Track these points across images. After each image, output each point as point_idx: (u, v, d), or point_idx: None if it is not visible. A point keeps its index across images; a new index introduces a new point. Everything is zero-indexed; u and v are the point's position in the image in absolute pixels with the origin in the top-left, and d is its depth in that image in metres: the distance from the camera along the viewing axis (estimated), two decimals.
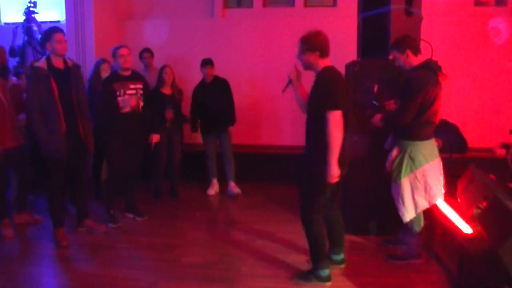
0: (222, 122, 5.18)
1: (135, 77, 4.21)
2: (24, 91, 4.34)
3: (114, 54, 4.08)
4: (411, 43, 3.15)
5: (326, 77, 2.80)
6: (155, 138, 4.40)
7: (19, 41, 5.69)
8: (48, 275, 3.27)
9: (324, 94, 2.74)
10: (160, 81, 4.94)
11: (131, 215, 4.40)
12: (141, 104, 4.17)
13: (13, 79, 4.02)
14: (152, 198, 5.11)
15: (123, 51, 4.05)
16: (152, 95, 4.60)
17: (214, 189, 5.34)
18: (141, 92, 4.17)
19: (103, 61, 4.81)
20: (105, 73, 4.65)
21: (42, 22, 5.88)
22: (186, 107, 5.30)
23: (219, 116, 5.15)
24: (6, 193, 4.05)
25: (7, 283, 3.05)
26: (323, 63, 2.91)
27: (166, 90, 4.96)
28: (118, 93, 4.05)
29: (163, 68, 4.97)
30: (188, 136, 5.54)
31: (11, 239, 3.80)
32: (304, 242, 3.75)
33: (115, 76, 4.12)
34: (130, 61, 4.12)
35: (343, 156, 2.78)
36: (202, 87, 5.21)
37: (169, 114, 4.89)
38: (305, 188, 2.97)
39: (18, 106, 3.94)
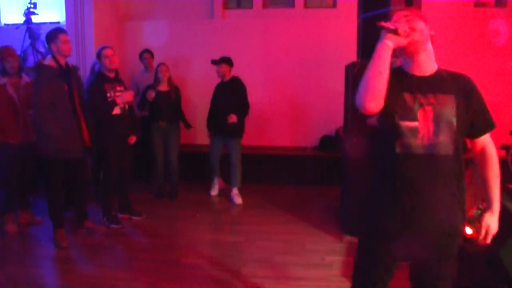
0: (231, 127, 4.82)
1: (119, 80, 4.20)
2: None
3: (99, 55, 4.04)
4: None
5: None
6: (133, 139, 4.34)
7: (26, 43, 5.73)
8: (48, 276, 3.27)
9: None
10: (156, 79, 4.95)
11: (126, 216, 4.38)
12: (127, 106, 4.18)
13: (26, 77, 4.03)
14: (153, 199, 5.11)
15: (108, 52, 4.01)
16: (145, 90, 4.87)
17: (216, 189, 5.34)
18: None
19: None
20: None
21: (42, 23, 5.89)
22: (184, 108, 5.30)
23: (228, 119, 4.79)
24: (14, 188, 4.02)
25: (7, 284, 3.04)
26: None
27: (162, 87, 4.94)
28: (108, 94, 4.03)
29: (158, 66, 4.98)
30: (189, 136, 5.55)
31: (14, 235, 3.81)
32: (303, 243, 3.77)
33: (103, 78, 4.07)
34: (115, 62, 4.08)
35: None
36: (218, 85, 5.04)
37: (151, 94, 4.79)
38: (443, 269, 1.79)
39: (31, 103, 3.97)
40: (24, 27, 5.84)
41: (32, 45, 5.68)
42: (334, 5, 6.22)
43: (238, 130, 4.96)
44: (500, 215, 2.61)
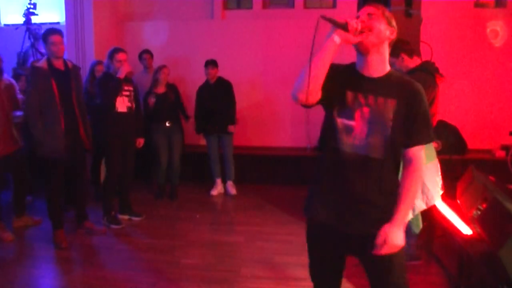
0: (223, 124, 5.19)
1: (127, 79, 4.23)
2: (19, 91, 4.36)
3: (111, 57, 4.05)
4: (404, 46, 3.14)
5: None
6: (141, 142, 4.40)
7: (26, 44, 5.74)
8: (48, 277, 3.27)
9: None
10: (154, 81, 4.97)
11: (126, 217, 4.38)
12: (134, 106, 4.21)
13: (6, 80, 4.03)
14: (152, 199, 5.11)
15: (121, 56, 4.03)
16: (145, 96, 4.95)
17: (217, 189, 5.35)
18: (133, 94, 4.22)
19: (98, 63, 4.82)
20: (99, 74, 4.66)
21: (42, 24, 5.89)
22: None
23: (220, 117, 5.17)
24: (2, 196, 4.02)
25: (6, 285, 3.04)
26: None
27: (159, 90, 4.97)
28: None
29: (160, 68, 4.98)
30: (190, 137, 5.55)
31: (11, 242, 3.76)
32: (303, 243, 3.76)
33: (110, 77, 4.09)
34: (129, 69, 4.14)
35: None
36: (205, 87, 5.23)
37: (151, 100, 4.89)
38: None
39: (13, 105, 3.97)
40: (24, 28, 5.84)
41: (34, 46, 5.68)
42: (334, 5, 6.22)
43: (231, 126, 5.25)
44: (500, 215, 2.61)
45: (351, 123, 1.64)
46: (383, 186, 1.66)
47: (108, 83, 4.01)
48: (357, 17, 1.63)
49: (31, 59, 5.67)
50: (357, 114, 1.64)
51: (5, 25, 6.47)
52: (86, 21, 5.80)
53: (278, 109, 6.25)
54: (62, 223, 3.76)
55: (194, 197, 5.24)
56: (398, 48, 3.13)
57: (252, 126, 6.24)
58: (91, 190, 4.89)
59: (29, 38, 5.80)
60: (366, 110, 1.63)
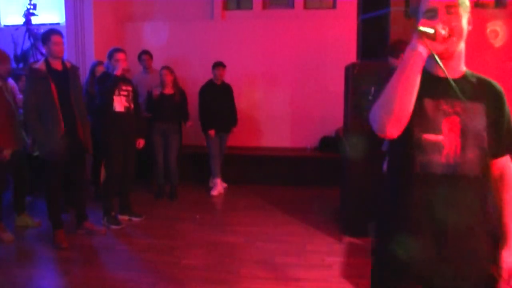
0: (225, 123, 5.33)
1: (126, 79, 4.25)
2: (19, 91, 4.38)
3: (111, 57, 4.08)
4: (404, 47, 3.13)
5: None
6: (141, 143, 4.42)
7: (26, 45, 5.75)
8: (48, 277, 3.26)
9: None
10: (161, 83, 4.99)
11: (126, 217, 4.37)
12: (133, 106, 4.22)
13: (11, 81, 4.06)
14: (152, 200, 5.11)
15: (120, 56, 4.06)
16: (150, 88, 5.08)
17: (217, 189, 5.36)
18: (132, 94, 4.23)
19: (98, 63, 4.83)
20: None
21: (41, 24, 5.90)
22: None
23: (223, 117, 5.30)
24: (3, 196, 4.03)
25: (6, 285, 3.04)
26: None
27: (167, 91, 5.00)
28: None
29: (161, 69, 5.03)
30: (190, 137, 5.56)
31: (11, 243, 3.76)
32: (303, 244, 3.77)
33: (108, 75, 4.10)
34: (125, 66, 4.14)
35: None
36: (211, 87, 5.30)
37: (156, 91, 4.96)
38: None
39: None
40: (24, 28, 5.85)
41: (35, 46, 5.69)
42: (333, 6, 6.23)
43: (233, 125, 5.49)
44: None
45: (439, 138, 1.32)
46: (486, 209, 1.36)
47: (105, 81, 4.03)
48: (430, 12, 1.35)
49: (31, 60, 5.68)
50: (444, 127, 1.33)
51: (5, 25, 6.47)
52: (86, 22, 5.81)
53: (278, 109, 6.26)
54: (62, 224, 3.76)
55: (194, 197, 5.25)
56: (398, 48, 3.13)
57: (252, 126, 6.24)
58: (91, 190, 4.90)
59: (29, 38, 5.81)
60: (455, 120, 1.33)
